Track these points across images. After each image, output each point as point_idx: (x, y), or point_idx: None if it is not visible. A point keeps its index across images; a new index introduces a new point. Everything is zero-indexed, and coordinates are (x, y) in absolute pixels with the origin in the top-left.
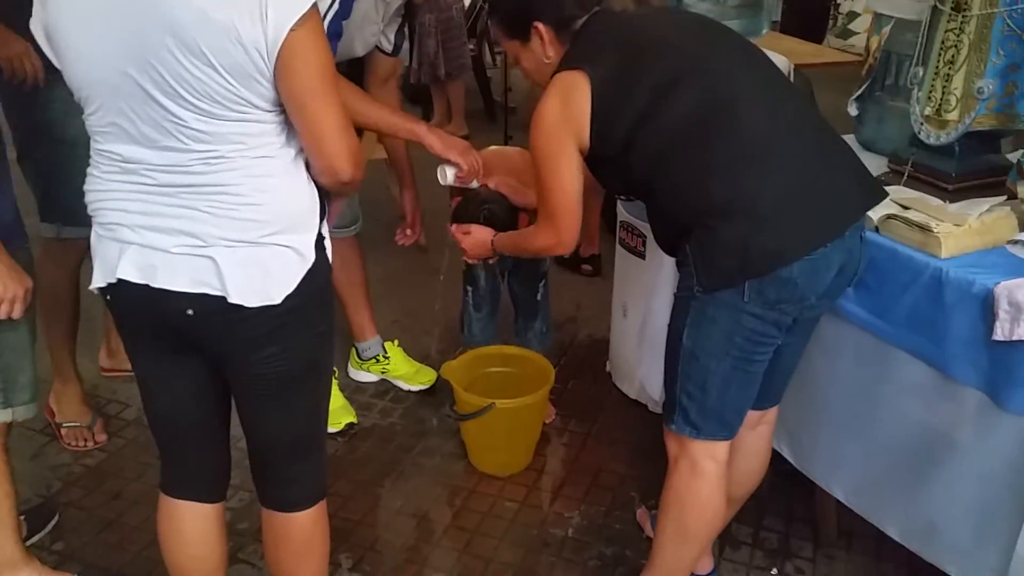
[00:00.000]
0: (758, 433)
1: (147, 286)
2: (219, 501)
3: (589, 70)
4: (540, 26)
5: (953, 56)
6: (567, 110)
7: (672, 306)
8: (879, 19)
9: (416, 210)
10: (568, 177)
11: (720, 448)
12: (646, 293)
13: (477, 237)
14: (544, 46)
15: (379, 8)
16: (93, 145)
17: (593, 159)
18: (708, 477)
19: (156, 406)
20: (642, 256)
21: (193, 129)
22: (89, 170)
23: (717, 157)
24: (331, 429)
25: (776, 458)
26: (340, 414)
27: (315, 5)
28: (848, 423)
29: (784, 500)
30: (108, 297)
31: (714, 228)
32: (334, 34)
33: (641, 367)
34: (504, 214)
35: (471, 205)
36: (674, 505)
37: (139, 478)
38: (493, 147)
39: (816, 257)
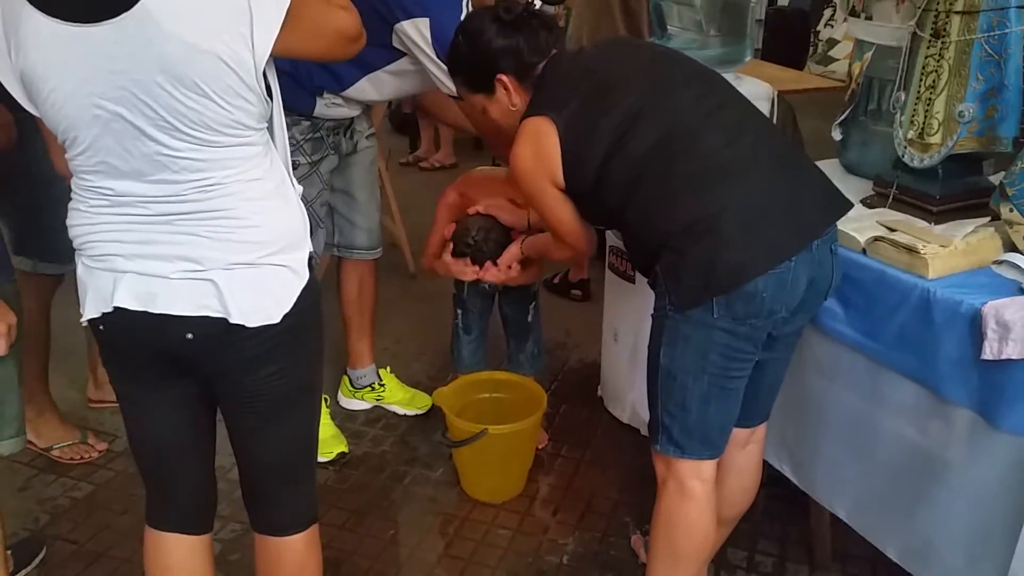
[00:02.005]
0: (748, 452)
1: (146, 313)
2: (206, 533)
3: (555, 117)
4: (504, 78)
5: (934, 81)
6: (538, 156)
7: (650, 329)
8: (860, 45)
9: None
10: (557, 210)
11: (706, 467)
12: (637, 317)
13: (506, 254)
14: (510, 95)
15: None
16: (78, 182)
17: (569, 196)
18: (695, 498)
19: (143, 436)
20: (631, 280)
21: (188, 159)
22: (72, 205)
23: (679, 181)
24: (322, 458)
25: (770, 481)
26: (331, 443)
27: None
28: (846, 443)
29: (779, 523)
30: (101, 327)
31: (680, 249)
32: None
33: (633, 391)
34: (498, 235)
35: (467, 230)
36: (663, 527)
37: (128, 511)
38: (481, 168)
39: (781, 271)
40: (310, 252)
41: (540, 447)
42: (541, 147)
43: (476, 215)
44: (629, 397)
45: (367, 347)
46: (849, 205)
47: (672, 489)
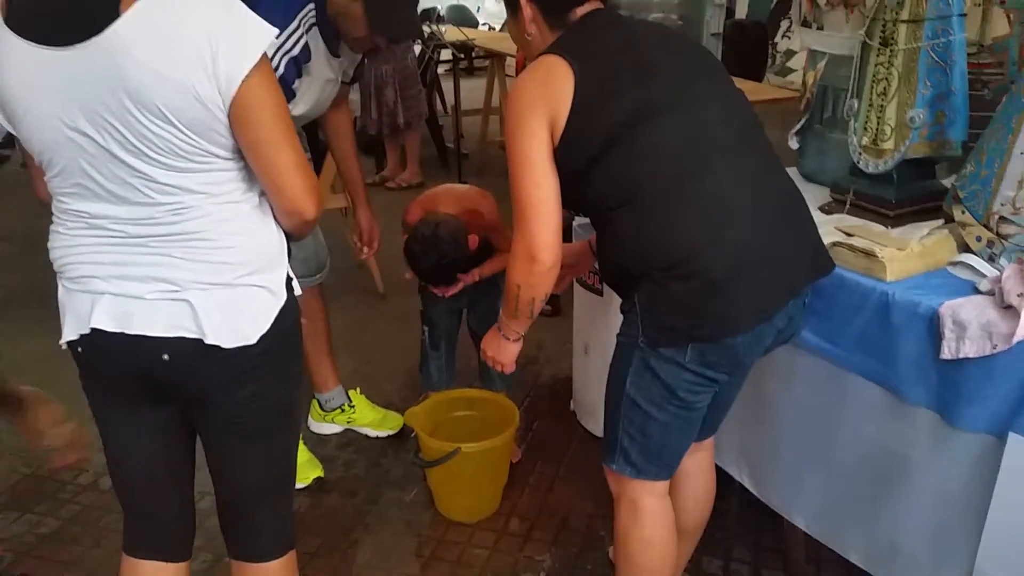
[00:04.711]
0: (696, 459)
1: (123, 334)
2: (185, 560)
3: (575, 64)
4: (523, 3)
5: (885, 88)
6: (547, 88)
7: (616, 347)
8: (813, 55)
9: (372, 227)
10: (536, 168)
11: (659, 485)
12: (607, 330)
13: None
14: (526, 23)
15: (335, 66)
16: (57, 204)
17: (556, 166)
18: (649, 514)
19: (122, 462)
20: (600, 293)
21: (159, 183)
22: (53, 227)
23: (680, 211)
24: (299, 484)
25: (744, 488)
26: (307, 468)
27: (264, 54)
28: (806, 450)
29: (752, 530)
30: (80, 349)
31: (666, 286)
32: (288, 81)
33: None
34: (450, 228)
35: (416, 228)
36: (622, 545)
37: (97, 545)
38: (444, 185)
39: (762, 327)
40: (288, 273)
41: (514, 462)
42: (552, 82)
43: (427, 213)
44: (601, 410)
45: (329, 370)
46: (832, 265)
47: (626, 507)
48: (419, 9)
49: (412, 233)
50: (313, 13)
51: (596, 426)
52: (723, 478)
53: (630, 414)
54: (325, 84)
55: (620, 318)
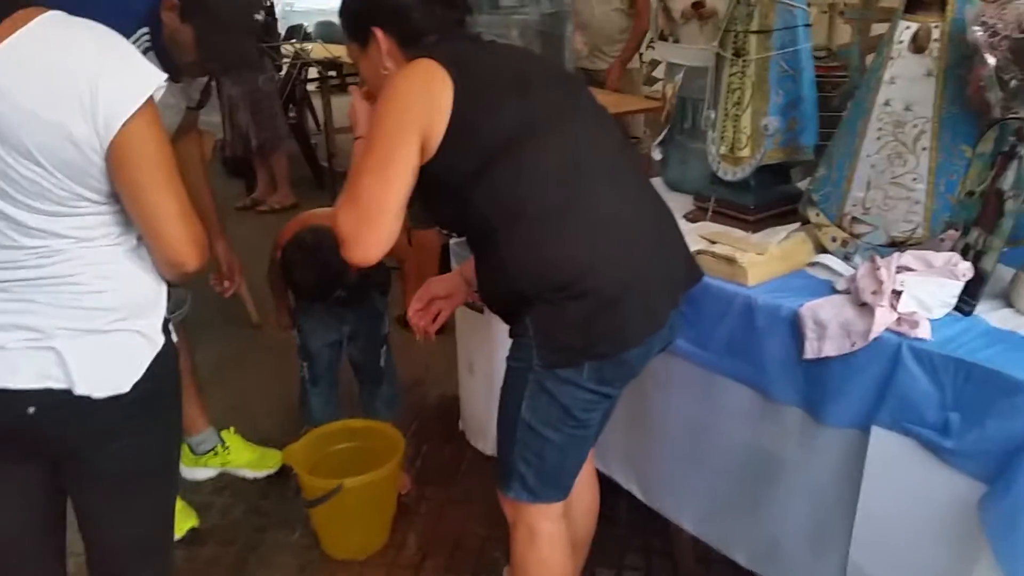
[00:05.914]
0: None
1: None
2: None
3: (454, 75)
4: (379, 33)
5: (739, 98)
6: (426, 93)
7: (507, 373)
8: (671, 68)
9: (231, 260)
10: (401, 160)
11: (554, 508)
12: (490, 348)
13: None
14: (382, 55)
15: (175, 92)
16: None
17: (432, 181)
18: (546, 538)
19: None
20: (481, 311)
21: (26, 227)
22: None
23: (567, 231)
24: None
25: (631, 495)
26: (179, 519)
27: (150, 98)
28: (687, 454)
29: (642, 535)
30: None
31: (559, 305)
32: None
33: (493, 422)
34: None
35: (303, 233)
36: (519, 571)
37: None
38: (315, 210)
39: (652, 339)
40: (165, 317)
41: (403, 493)
42: (431, 88)
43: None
44: (490, 429)
45: (197, 410)
46: (702, 274)
47: (522, 533)
48: (284, 29)
49: (293, 240)
50: (148, 37)
51: (486, 445)
52: (611, 486)
53: (526, 439)
54: (164, 111)
55: (504, 335)
